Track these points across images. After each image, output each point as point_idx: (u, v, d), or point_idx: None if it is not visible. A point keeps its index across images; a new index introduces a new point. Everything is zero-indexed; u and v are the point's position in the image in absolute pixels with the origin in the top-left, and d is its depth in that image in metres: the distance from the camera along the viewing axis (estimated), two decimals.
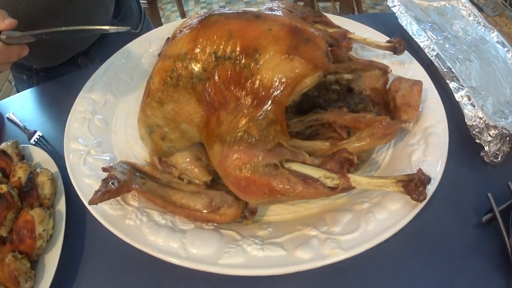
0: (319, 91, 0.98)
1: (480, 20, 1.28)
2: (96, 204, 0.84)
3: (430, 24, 1.27)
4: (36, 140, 1.21)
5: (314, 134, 0.93)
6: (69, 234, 0.94)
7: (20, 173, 1.02)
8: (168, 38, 1.21)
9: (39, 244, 0.89)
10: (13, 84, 1.71)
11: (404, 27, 1.26)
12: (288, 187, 0.74)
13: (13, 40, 0.99)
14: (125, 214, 0.87)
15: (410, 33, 1.23)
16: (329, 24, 1.07)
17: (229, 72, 0.76)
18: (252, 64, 0.75)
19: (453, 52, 1.16)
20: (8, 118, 1.31)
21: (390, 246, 0.78)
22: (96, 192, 0.85)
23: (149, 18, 1.75)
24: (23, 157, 1.11)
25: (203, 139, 0.84)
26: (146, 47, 1.29)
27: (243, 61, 0.75)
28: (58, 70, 1.48)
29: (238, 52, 0.76)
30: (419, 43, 1.18)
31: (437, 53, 1.12)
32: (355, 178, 0.75)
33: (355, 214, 0.81)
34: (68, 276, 0.91)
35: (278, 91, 0.75)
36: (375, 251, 0.76)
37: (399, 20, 1.28)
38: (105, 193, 0.84)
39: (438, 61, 1.11)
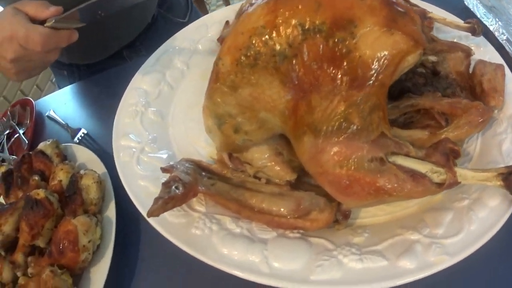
0: (406, 74, 0.88)
1: None
2: (158, 215, 0.73)
3: (489, 7, 1.20)
4: (80, 138, 1.15)
5: (408, 121, 0.84)
6: (120, 245, 0.87)
7: (61, 176, 0.94)
8: (228, 21, 1.13)
9: (84, 257, 0.82)
10: (53, 80, 1.66)
11: (471, 9, 1.19)
12: (396, 185, 0.65)
13: (61, 24, 0.93)
14: (190, 222, 0.79)
15: (478, 16, 1.15)
16: (407, 1, 0.98)
17: (320, 48, 0.66)
18: (348, 38, 0.65)
19: None
20: (49, 117, 1.26)
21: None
22: (157, 200, 0.73)
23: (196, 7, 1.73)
24: (65, 157, 1.04)
25: (287, 130, 0.74)
26: (202, 32, 1.18)
27: (337, 34, 0.65)
28: (102, 64, 1.44)
29: (329, 24, 0.65)
30: (488, 26, 1.11)
31: (507, 37, 1.06)
32: (461, 172, 0.67)
33: (456, 213, 0.73)
34: None
35: (381, 70, 0.65)
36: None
37: (465, 2, 1.22)
38: (168, 201, 0.73)
39: (509, 45, 1.04)
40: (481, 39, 1.00)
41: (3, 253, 0.87)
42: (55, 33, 0.92)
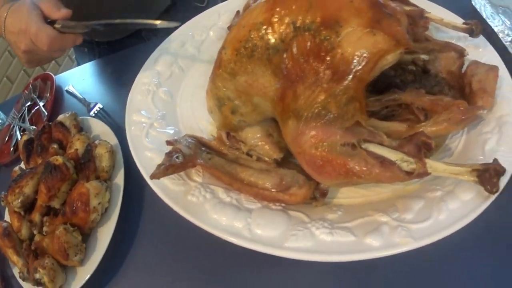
0: (395, 71, 0.94)
1: None
2: (158, 178, 0.83)
3: (502, 8, 1.17)
4: (96, 112, 1.22)
5: (390, 115, 0.89)
6: (126, 209, 0.96)
7: (77, 145, 1.03)
8: (238, 11, 1.19)
9: (93, 217, 0.92)
10: (74, 57, 1.73)
11: (478, 9, 1.20)
12: (365, 169, 0.72)
13: (67, 29, 1.04)
14: (188, 190, 0.87)
15: (484, 16, 1.17)
16: (405, 2, 1.03)
17: (308, 44, 0.74)
18: (333, 36, 0.72)
19: None
20: (68, 91, 1.34)
21: (455, 238, 0.73)
22: (159, 166, 0.84)
23: None
24: (81, 129, 1.13)
25: (276, 114, 0.82)
26: (215, 20, 1.26)
27: (324, 32, 0.73)
28: (121, 43, 1.49)
29: (318, 23, 0.73)
30: (493, 27, 1.12)
31: None
32: (432, 164, 0.72)
33: (427, 202, 0.78)
34: (120, 251, 0.93)
35: (360, 67, 0.72)
36: (439, 243, 0.73)
37: (472, 2, 1.22)
38: (168, 167, 0.83)
39: None
40: (482, 40, 1.02)
41: (22, 213, 0.97)
42: (61, 36, 1.04)
